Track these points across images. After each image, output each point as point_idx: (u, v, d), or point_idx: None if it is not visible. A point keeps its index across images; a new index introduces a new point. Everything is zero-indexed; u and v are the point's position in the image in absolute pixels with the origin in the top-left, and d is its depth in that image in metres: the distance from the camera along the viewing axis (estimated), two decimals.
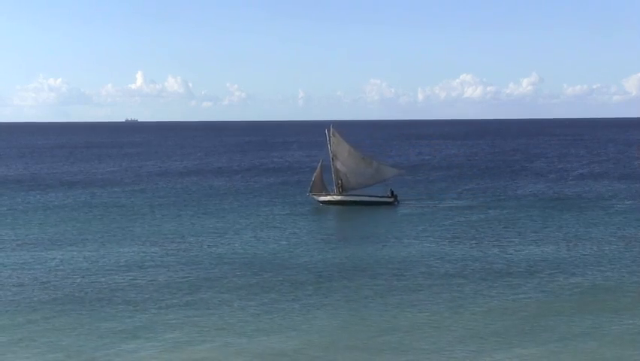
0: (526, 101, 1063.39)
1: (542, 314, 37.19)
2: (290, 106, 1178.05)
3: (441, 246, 54.69)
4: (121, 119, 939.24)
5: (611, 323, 35.81)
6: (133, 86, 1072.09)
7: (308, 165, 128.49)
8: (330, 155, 78.15)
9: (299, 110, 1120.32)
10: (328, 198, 77.20)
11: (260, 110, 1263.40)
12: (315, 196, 77.67)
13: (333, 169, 78.17)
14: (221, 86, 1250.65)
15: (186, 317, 36.79)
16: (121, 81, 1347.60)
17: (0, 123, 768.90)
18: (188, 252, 52.77)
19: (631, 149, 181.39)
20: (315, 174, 78.29)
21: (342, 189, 77.83)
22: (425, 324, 35.61)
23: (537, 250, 52.92)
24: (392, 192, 77.87)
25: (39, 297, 40.66)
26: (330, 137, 78.22)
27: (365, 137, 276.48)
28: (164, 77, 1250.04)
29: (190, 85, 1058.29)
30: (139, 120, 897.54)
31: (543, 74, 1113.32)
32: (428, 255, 51.40)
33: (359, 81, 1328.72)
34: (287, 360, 31.27)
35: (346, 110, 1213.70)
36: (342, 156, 78.09)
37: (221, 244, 55.87)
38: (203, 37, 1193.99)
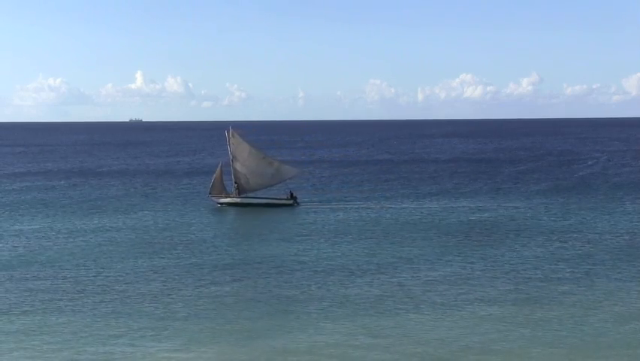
0: (526, 101, 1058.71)
1: (546, 316, 36.22)
2: (290, 106, 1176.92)
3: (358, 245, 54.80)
4: (121, 119, 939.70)
5: (623, 325, 34.66)
6: (133, 86, 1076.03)
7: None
8: (230, 156, 77.66)
9: (299, 110, 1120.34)
10: (228, 199, 76.79)
11: (260, 110, 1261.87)
12: (214, 198, 77.26)
13: (232, 171, 77.67)
14: (221, 86, 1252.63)
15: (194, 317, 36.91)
16: (121, 81, 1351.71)
17: (0, 123, 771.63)
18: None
19: (634, 146, 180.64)
20: (214, 175, 77.89)
21: (240, 191, 77.28)
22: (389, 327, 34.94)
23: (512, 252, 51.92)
24: (291, 194, 77.23)
25: (48, 294, 41.01)
26: (229, 138, 77.70)
27: (367, 136, 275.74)
28: (164, 77, 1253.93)
29: (190, 85, 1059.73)
30: (143, 120, 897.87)
31: (543, 74, 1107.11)
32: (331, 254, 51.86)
33: (359, 81, 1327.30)
34: None
35: (346, 110, 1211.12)
36: (242, 156, 77.51)
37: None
38: (203, 37, 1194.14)
